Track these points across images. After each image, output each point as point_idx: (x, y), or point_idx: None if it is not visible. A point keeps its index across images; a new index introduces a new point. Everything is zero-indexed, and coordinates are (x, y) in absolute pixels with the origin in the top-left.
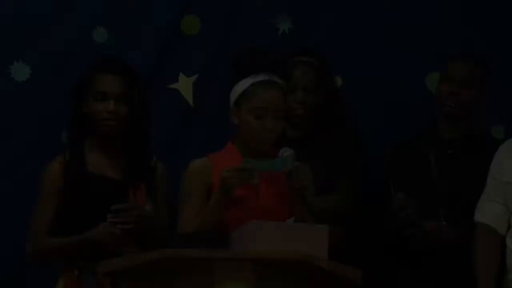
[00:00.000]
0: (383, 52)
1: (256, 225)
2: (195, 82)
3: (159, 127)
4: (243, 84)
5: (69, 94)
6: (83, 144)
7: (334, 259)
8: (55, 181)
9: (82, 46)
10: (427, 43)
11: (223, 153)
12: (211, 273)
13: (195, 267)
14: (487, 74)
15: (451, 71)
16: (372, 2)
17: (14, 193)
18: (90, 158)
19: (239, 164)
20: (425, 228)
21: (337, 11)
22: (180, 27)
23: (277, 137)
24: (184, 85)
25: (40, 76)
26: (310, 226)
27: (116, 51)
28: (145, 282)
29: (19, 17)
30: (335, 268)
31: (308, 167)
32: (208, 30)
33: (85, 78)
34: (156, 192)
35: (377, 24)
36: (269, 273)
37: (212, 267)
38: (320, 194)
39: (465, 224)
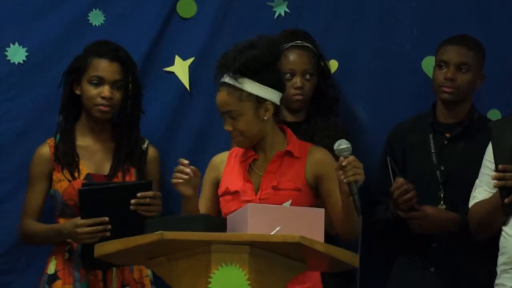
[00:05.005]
0: (379, 35)
1: (253, 207)
2: (191, 65)
3: (154, 110)
4: None
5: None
6: (73, 128)
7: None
8: (44, 165)
9: (78, 28)
10: (422, 26)
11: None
12: (208, 255)
13: (192, 249)
14: (482, 56)
15: (445, 55)
16: None
17: (10, 177)
18: (80, 142)
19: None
20: (425, 213)
21: None
22: (177, 10)
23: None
24: (180, 68)
25: (36, 58)
26: (306, 209)
27: (112, 34)
28: (143, 264)
29: None
30: (331, 251)
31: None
32: (204, 13)
33: (80, 61)
34: (147, 176)
35: (372, 7)
36: (266, 256)
37: (209, 249)
38: None
39: (464, 209)
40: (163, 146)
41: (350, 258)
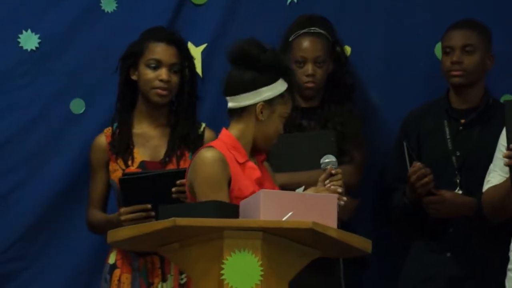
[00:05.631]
0: (392, 20)
1: (265, 194)
2: (203, 51)
3: None
4: (280, 87)
5: (78, 64)
6: (130, 115)
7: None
8: (100, 154)
9: (90, 15)
10: (435, 11)
11: (224, 145)
12: (221, 241)
13: (205, 236)
14: (487, 36)
15: (449, 41)
16: None
17: (21, 164)
18: (137, 129)
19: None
20: (443, 197)
21: None
22: None
23: None
24: (193, 55)
25: (49, 45)
26: (319, 195)
27: (124, 21)
28: (156, 250)
29: None
30: (344, 237)
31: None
32: None
33: (136, 46)
34: None
35: None
36: (278, 242)
37: (222, 236)
38: None
39: (480, 194)
40: None
41: (363, 244)
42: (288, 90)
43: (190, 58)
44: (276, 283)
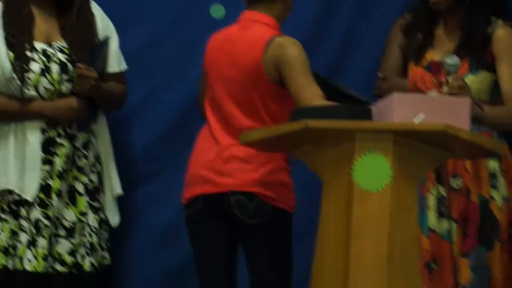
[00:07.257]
0: None
1: (398, 97)
2: None
3: None
4: None
5: None
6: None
7: None
8: None
9: None
10: None
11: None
12: (352, 143)
13: (336, 138)
14: None
15: None
16: None
17: (159, 69)
18: None
19: None
20: None
21: None
22: None
23: None
24: None
25: None
26: (451, 98)
27: None
28: (287, 151)
29: None
30: (476, 139)
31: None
32: None
33: None
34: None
35: None
36: (409, 144)
37: (353, 138)
38: None
39: None
40: None
41: (495, 146)
42: None
43: None
44: (406, 184)
